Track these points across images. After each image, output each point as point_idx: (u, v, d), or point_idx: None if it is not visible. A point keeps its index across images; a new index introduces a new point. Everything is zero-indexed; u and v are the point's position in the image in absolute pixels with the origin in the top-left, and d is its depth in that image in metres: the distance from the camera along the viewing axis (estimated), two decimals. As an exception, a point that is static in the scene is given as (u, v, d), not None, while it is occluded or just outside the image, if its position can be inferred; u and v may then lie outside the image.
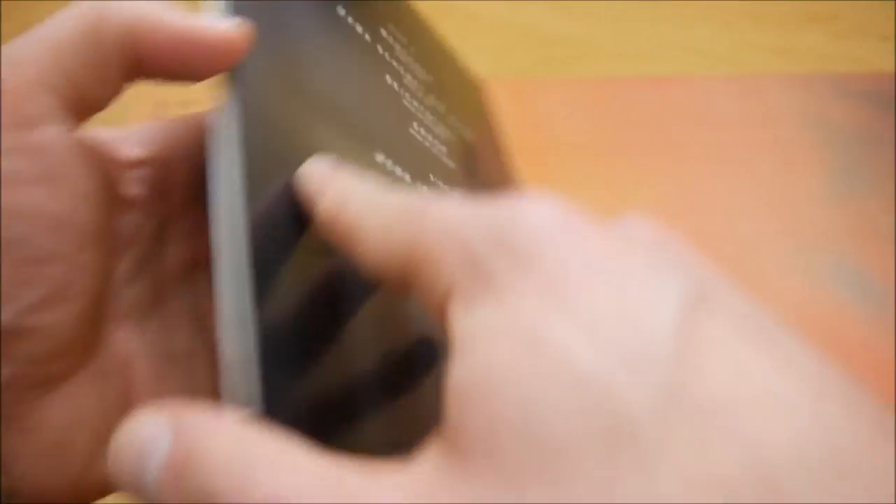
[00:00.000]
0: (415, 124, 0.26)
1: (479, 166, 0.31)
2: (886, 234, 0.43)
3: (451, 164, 0.27)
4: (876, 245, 0.42)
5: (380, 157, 0.22)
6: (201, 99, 0.18)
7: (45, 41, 0.16)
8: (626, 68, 0.49)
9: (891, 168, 0.45)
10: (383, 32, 0.27)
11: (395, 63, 0.27)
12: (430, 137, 0.27)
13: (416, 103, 0.27)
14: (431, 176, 0.25)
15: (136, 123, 0.20)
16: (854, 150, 0.46)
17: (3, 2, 0.47)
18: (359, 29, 0.25)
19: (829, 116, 0.47)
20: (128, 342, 0.19)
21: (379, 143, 0.22)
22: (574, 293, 0.12)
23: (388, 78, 0.26)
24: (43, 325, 0.16)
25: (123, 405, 0.18)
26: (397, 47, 0.28)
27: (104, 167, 0.18)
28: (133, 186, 0.19)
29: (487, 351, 0.12)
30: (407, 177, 0.23)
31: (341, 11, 0.25)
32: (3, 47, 0.16)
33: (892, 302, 0.40)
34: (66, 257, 0.16)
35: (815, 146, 0.46)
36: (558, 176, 0.43)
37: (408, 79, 0.27)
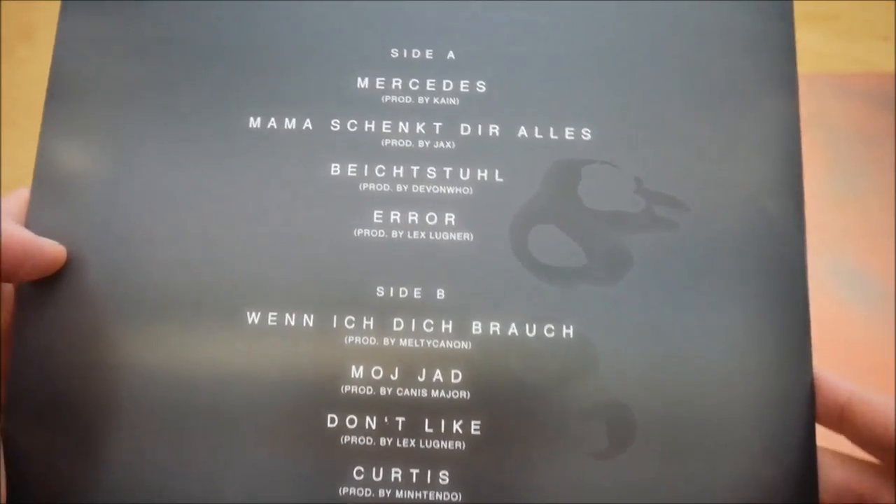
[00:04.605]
0: (376, 212, 0.23)
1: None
2: (886, 234, 0.43)
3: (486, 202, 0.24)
4: (876, 245, 0.42)
5: (252, 316, 0.22)
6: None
7: None
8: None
9: (891, 168, 0.45)
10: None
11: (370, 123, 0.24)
12: (439, 188, 0.24)
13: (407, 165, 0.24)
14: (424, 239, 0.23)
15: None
16: (854, 150, 0.46)
17: (2, 2, 0.47)
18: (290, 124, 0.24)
19: (829, 116, 0.47)
20: None
21: (248, 298, 0.23)
22: None
23: (332, 167, 0.24)
24: None
25: None
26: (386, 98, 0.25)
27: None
28: None
29: None
30: (311, 320, 0.22)
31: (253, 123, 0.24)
32: None
33: (892, 302, 0.40)
34: None
35: (816, 146, 0.46)
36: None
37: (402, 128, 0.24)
